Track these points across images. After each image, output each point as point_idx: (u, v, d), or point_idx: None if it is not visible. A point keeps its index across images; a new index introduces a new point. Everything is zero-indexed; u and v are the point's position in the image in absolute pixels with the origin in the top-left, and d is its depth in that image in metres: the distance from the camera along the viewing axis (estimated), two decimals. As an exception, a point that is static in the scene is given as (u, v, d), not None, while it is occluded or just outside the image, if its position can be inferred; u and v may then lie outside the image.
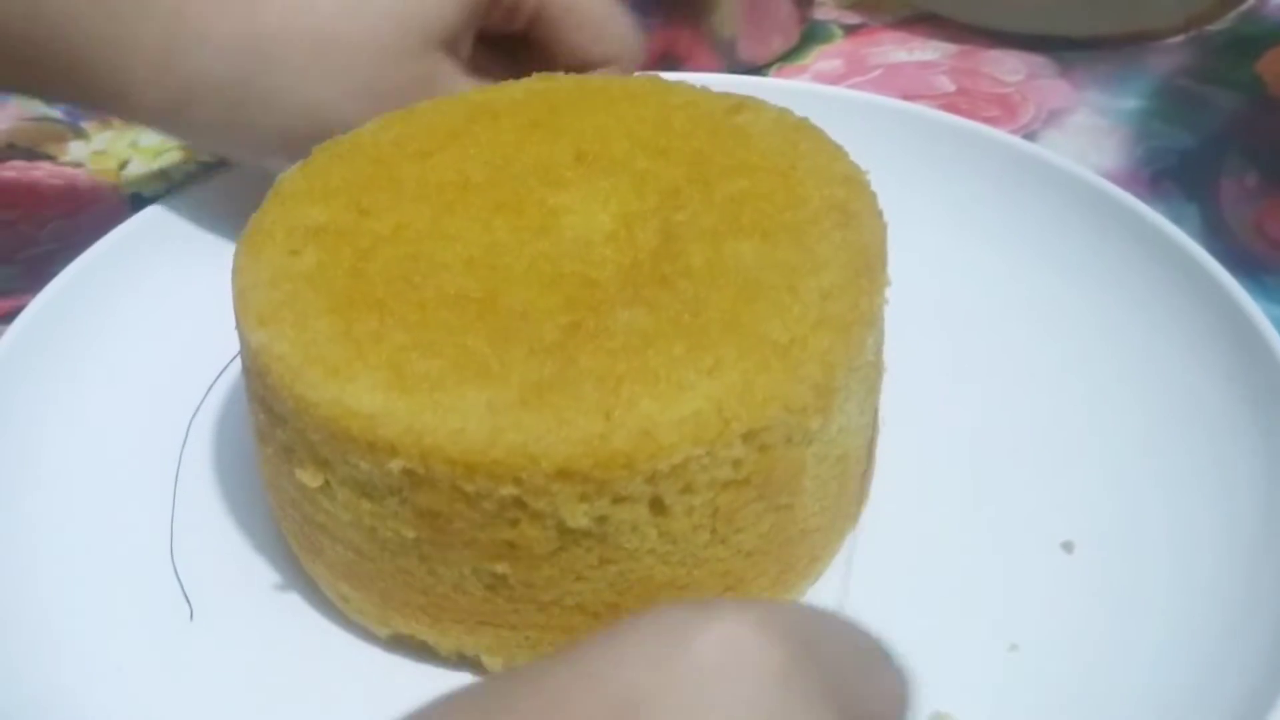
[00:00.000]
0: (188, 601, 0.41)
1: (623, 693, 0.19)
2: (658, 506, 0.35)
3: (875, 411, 0.43)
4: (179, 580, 0.42)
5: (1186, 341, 0.46)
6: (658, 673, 0.20)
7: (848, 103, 0.56)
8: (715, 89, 0.47)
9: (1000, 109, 0.62)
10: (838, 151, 0.43)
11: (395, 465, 0.35)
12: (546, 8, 0.50)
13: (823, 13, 0.70)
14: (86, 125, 0.65)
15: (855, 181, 0.42)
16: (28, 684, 0.38)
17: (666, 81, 0.47)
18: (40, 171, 0.62)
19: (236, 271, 0.40)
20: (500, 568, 0.36)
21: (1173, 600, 0.39)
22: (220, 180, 0.54)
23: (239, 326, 0.39)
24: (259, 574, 0.43)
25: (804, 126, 0.45)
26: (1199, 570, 0.40)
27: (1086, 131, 0.61)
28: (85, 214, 0.59)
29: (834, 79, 0.65)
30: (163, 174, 0.62)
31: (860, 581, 0.41)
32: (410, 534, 0.36)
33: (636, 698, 0.19)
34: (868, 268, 0.39)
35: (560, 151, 0.44)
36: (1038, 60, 0.65)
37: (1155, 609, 0.39)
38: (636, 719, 0.19)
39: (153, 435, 0.46)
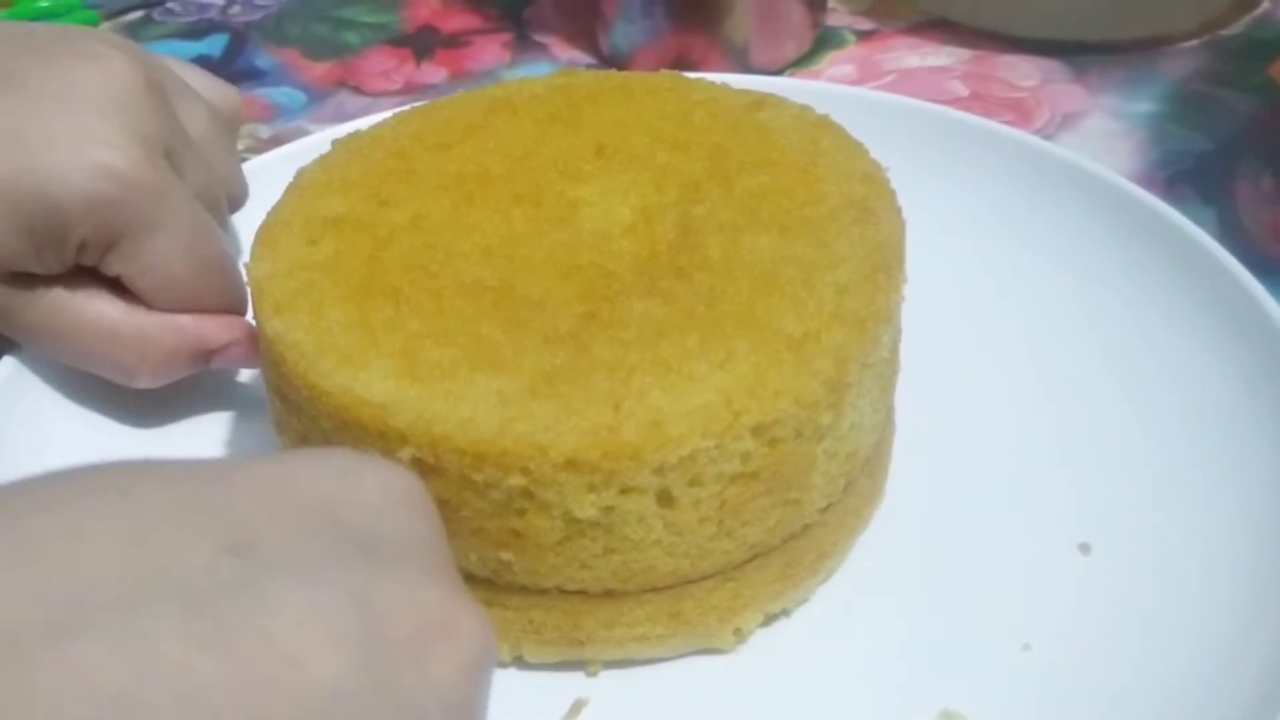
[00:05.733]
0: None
1: (318, 497, 0.24)
2: (665, 498, 0.34)
3: (889, 410, 0.41)
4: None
5: (1206, 343, 0.44)
6: (344, 488, 0.24)
7: (869, 103, 0.54)
8: (736, 87, 0.45)
9: (1014, 113, 0.60)
10: (858, 149, 0.42)
11: (405, 454, 0.33)
12: (124, 276, 0.41)
13: (835, 19, 0.68)
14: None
15: (875, 179, 0.40)
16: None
17: (688, 78, 0.46)
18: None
19: (253, 261, 0.38)
20: (506, 555, 0.35)
21: (1188, 604, 0.37)
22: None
23: (255, 316, 0.38)
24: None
25: (825, 123, 0.43)
26: (1215, 575, 0.38)
27: (1101, 135, 0.59)
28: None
29: (846, 85, 0.63)
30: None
31: (875, 579, 0.40)
32: (420, 523, 0.35)
33: (330, 503, 0.24)
34: (885, 264, 0.37)
35: (580, 145, 0.42)
36: (1051, 65, 0.63)
37: (1170, 613, 0.37)
38: (331, 516, 0.24)
39: (172, 429, 0.45)
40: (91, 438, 0.44)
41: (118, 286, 0.41)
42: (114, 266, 0.40)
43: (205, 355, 0.43)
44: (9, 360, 0.44)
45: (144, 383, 0.42)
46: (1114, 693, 0.36)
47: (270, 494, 0.23)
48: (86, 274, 0.41)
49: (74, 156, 0.38)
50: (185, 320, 0.42)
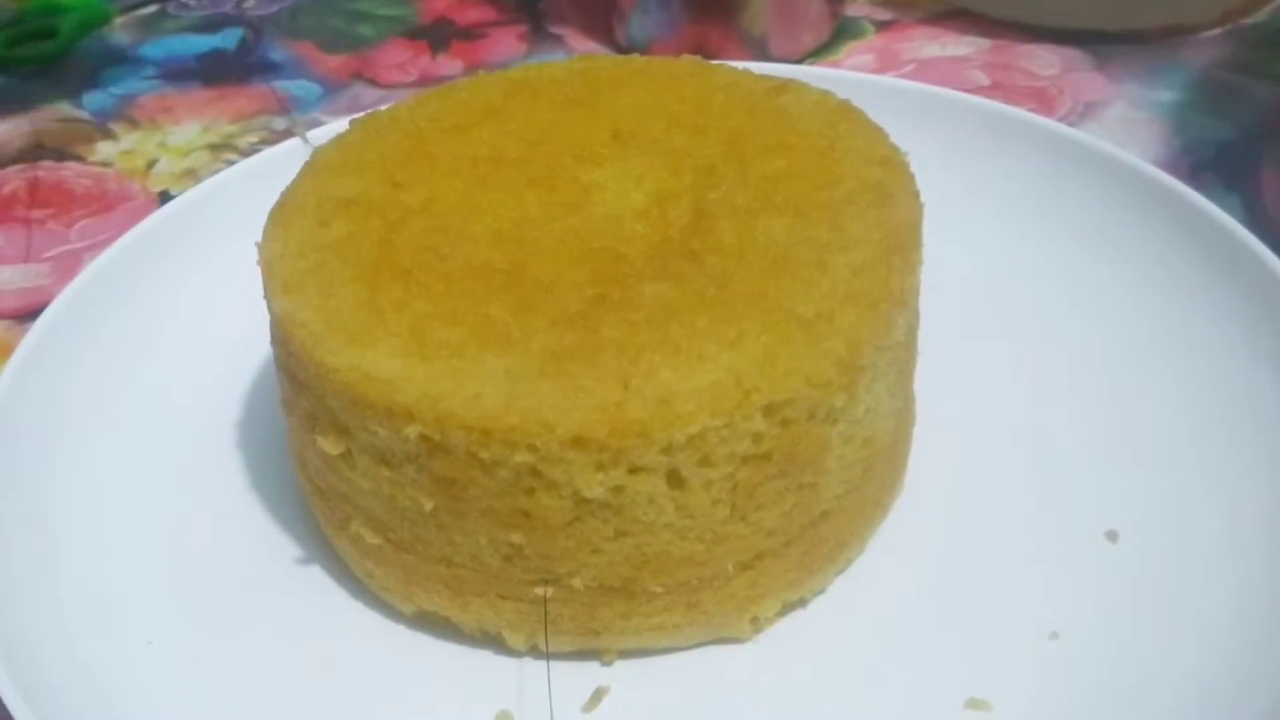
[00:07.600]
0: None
1: None
2: (675, 479, 0.33)
3: (909, 397, 0.40)
4: (207, 557, 0.40)
5: (1233, 328, 0.43)
6: None
7: (890, 90, 0.53)
8: (758, 73, 0.44)
9: (1036, 102, 0.59)
10: (878, 134, 0.41)
11: (412, 431, 0.33)
12: None
13: (854, 9, 0.67)
14: (114, 126, 0.63)
15: (893, 162, 0.40)
16: (58, 658, 0.36)
17: (709, 64, 0.45)
18: (69, 171, 0.61)
19: (265, 241, 0.38)
20: (516, 538, 0.34)
21: (1216, 592, 0.37)
22: (247, 169, 0.52)
23: (265, 295, 0.37)
24: (287, 551, 0.41)
25: (846, 109, 0.42)
26: (1244, 562, 0.37)
27: (1124, 124, 0.58)
28: (114, 212, 0.58)
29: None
30: (190, 172, 0.60)
31: (898, 567, 0.39)
32: (428, 504, 0.34)
33: None
34: (900, 246, 0.37)
35: (597, 129, 0.41)
36: (1072, 54, 0.62)
37: (1198, 600, 0.37)
38: None
39: (182, 414, 0.45)
40: (98, 424, 0.44)
41: None
42: None
43: None
44: (19, 351, 0.43)
45: None
46: (1142, 682, 0.35)
47: None
48: None
49: None
50: None
